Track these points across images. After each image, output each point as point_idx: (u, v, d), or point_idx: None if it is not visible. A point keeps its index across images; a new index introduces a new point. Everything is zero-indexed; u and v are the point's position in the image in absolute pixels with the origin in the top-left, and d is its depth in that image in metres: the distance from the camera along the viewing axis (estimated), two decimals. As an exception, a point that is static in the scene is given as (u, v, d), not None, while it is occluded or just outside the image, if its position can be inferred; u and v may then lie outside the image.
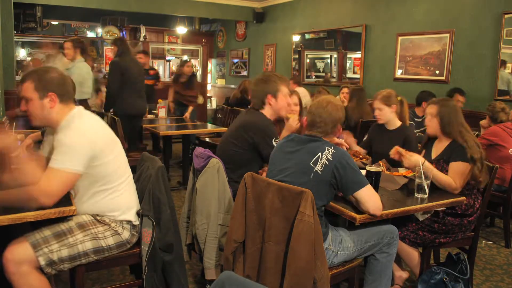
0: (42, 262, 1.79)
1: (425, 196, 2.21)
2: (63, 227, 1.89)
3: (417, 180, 2.24)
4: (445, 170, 2.43)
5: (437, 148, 2.57)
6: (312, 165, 1.90)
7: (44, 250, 1.80)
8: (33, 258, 1.78)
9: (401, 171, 2.58)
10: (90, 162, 1.84)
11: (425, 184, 2.20)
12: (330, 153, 1.90)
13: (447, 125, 2.46)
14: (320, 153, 1.91)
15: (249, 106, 2.79)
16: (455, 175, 2.37)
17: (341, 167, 1.89)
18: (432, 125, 2.54)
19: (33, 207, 1.73)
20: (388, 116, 3.02)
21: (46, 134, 2.17)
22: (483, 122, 4.10)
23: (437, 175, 2.36)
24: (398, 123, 3.04)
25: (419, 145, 3.02)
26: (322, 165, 1.89)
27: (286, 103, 2.56)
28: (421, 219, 2.42)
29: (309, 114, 2.08)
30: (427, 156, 2.59)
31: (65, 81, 1.96)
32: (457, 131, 2.44)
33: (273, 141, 2.42)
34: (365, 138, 3.33)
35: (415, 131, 4.21)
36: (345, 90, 6.10)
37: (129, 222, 2.04)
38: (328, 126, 2.02)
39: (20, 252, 1.78)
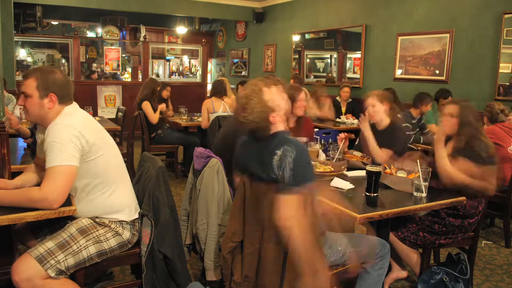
0: (52, 274, 1.78)
1: (424, 195, 2.23)
2: (65, 236, 1.88)
3: (415, 182, 2.26)
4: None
5: (448, 149, 2.56)
6: (273, 164, 1.71)
7: (51, 263, 1.79)
8: (42, 272, 1.77)
9: (400, 174, 2.59)
10: (81, 156, 1.84)
11: (423, 185, 2.23)
12: (291, 158, 1.69)
13: (464, 126, 2.46)
14: (281, 153, 1.70)
15: None
16: (459, 169, 2.37)
17: (298, 167, 1.70)
18: (449, 125, 2.52)
19: (43, 207, 1.73)
20: (381, 113, 2.99)
21: (37, 133, 2.17)
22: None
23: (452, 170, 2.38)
24: (387, 122, 3.01)
25: (429, 146, 3.02)
26: (281, 169, 1.69)
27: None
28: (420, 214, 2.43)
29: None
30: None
31: (68, 83, 1.96)
32: (471, 134, 2.43)
33: None
34: (356, 143, 3.33)
35: (410, 133, 4.24)
36: (346, 89, 6.13)
37: (128, 222, 2.04)
38: (261, 123, 1.79)
39: (28, 269, 1.76)
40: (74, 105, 1.99)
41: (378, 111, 2.99)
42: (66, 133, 1.80)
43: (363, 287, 2.15)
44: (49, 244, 1.84)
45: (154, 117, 5.01)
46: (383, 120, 3.01)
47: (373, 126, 3.06)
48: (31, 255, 1.78)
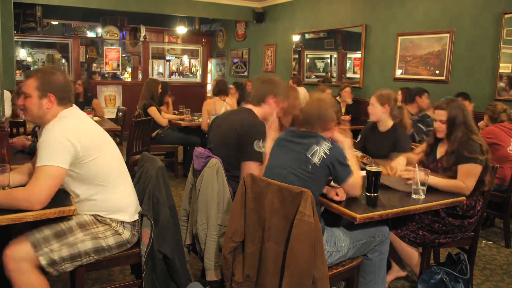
0: (43, 261, 1.79)
1: (422, 197, 2.22)
2: (63, 227, 1.89)
3: (413, 186, 2.24)
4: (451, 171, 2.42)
5: (443, 149, 2.55)
6: (310, 157, 1.98)
7: (44, 250, 1.80)
8: (33, 257, 1.78)
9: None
10: (75, 160, 1.84)
11: (421, 189, 2.22)
12: (328, 148, 1.99)
13: (454, 128, 2.44)
14: (318, 147, 1.99)
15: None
16: (464, 176, 2.36)
17: (336, 162, 2.00)
18: (441, 130, 2.52)
19: (25, 208, 1.72)
20: (379, 114, 2.98)
21: (39, 132, 2.17)
22: (481, 123, 3.98)
23: (443, 184, 2.35)
24: (389, 124, 2.99)
25: (420, 144, 3.00)
26: (320, 158, 1.97)
27: (280, 111, 2.61)
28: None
29: (301, 112, 2.18)
30: (432, 156, 2.58)
31: (68, 84, 1.98)
32: (462, 134, 2.42)
33: (258, 142, 2.39)
34: (358, 139, 3.32)
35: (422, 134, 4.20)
36: (348, 89, 6.13)
37: (128, 222, 2.04)
38: (319, 123, 2.10)
39: (20, 250, 1.78)
40: (73, 108, 1.99)
41: (375, 112, 2.99)
42: (59, 135, 1.81)
43: (367, 273, 2.17)
44: (47, 231, 1.85)
45: (163, 121, 5.10)
46: (383, 121, 3.00)
47: (374, 127, 3.07)
48: (27, 238, 1.80)
